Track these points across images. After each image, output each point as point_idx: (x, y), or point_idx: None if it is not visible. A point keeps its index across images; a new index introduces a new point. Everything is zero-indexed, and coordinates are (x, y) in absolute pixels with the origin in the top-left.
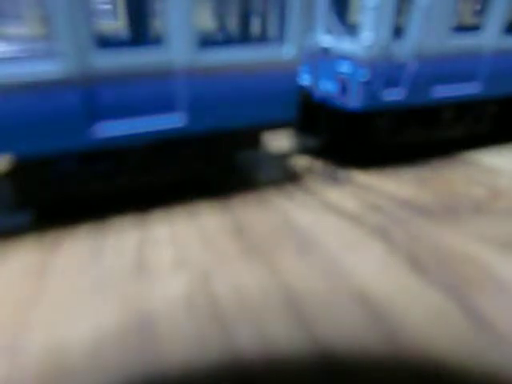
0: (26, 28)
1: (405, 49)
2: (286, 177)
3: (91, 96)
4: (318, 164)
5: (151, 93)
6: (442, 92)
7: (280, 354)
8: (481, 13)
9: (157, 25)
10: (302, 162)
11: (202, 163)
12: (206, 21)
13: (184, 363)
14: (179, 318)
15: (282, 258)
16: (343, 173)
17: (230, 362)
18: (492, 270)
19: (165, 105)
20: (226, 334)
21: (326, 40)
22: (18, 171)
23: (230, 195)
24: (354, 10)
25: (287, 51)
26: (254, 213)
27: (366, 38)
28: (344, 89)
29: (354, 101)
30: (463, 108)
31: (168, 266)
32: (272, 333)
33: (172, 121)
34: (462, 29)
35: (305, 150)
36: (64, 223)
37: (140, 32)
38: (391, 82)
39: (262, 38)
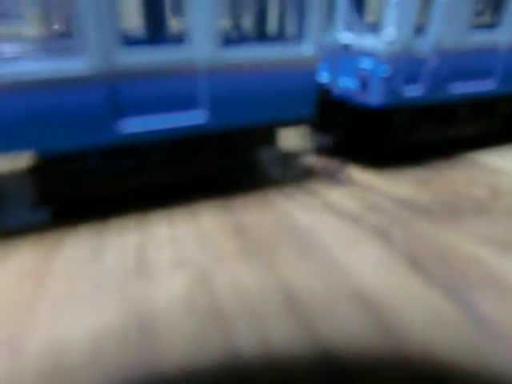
0: (53, 26)
1: (425, 45)
2: (287, 177)
3: (116, 93)
4: (322, 164)
5: (174, 90)
6: (460, 88)
7: (280, 353)
8: (496, 10)
9: (173, 24)
10: (305, 161)
11: (219, 160)
12: (227, 19)
13: (184, 363)
14: (179, 317)
15: (282, 258)
16: (345, 173)
17: (230, 361)
18: (492, 270)
19: (187, 102)
20: (225, 333)
21: (346, 37)
22: (39, 168)
23: (232, 195)
24: (370, 10)
25: (306, 49)
26: (254, 213)
27: (388, 34)
28: (364, 85)
29: (374, 97)
30: (477, 105)
31: (168, 265)
32: (272, 332)
33: (194, 117)
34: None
35: (318, 149)
36: (65, 223)
37: (157, 31)
38: (411, 78)
39: (282, 36)
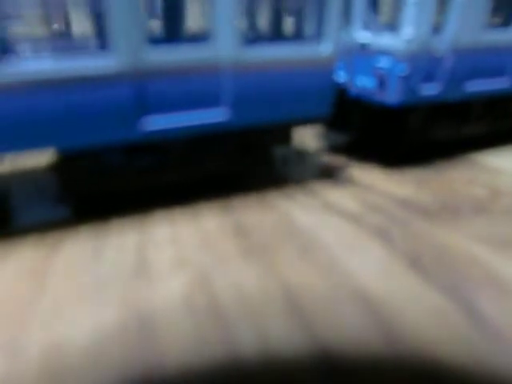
0: (81, 24)
1: (442, 43)
2: (290, 176)
3: (142, 90)
4: (328, 163)
5: (197, 88)
6: (475, 86)
7: (280, 353)
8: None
9: (189, 23)
10: (312, 161)
11: (236, 159)
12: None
13: (184, 363)
14: (179, 317)
15: (283, 258)
16: (347, 173)
17: (230, 361)
18: (492, 270)
19: (209, 99)
20: (225, 333)
21: (363, 36)
22: (62, 165)
23: (233, 195)
24: (383, 10)
25: (325, 48)
26: (255, 213)
27: (406, 33)
28: (382, 84)
29: (392, 96)
30: (489, 105)
31: (168, 266)
32: (272, 332)
33: (216, 115)
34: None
35: (331, 148)
36: (66, 223)
37: (174, 30)
38: (428, 77)
39: (300, 36)
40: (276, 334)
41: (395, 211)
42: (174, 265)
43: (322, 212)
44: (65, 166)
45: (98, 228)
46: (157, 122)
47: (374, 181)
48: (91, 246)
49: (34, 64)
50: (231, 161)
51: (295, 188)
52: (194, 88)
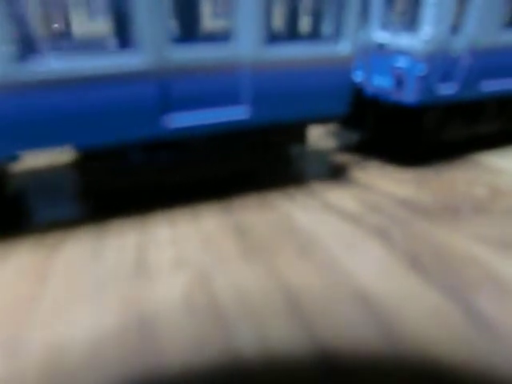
0: (103, 22)
1: (460, 43)
2: (288, 177)
3: (165, 88)
4: (333, 163)
5: (219, 86)
6: (491, 86)
7: (280, 353)
8: None
9: (204, 22)
10: (312, 160)
11: (252, 157)
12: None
13: (183, 363)
14: (179, 317)
15: (283, 259)
16: (350, 173)
17: (230, 361)
18: (492, 270)
19: (231, 97)
20: (225, 333)
21: (381, 36)
22: (84, 163)
23: (233, 196)
24: (401, 11)
25: (343, 47)
26: (255, 213)
27: (425, 33)
28: (399, 83)
29: (409, 95)
30: (503, 104)
31: (169, 266)
32: (272, 332)
33: (237, 113)
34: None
35: (343, 147)
36: (66, 223)
37: (191, 28)
38: (445, 76)
39: (320, 35)
40: (276, 334)
41: (395, 211)
42: (174, 265)
43: (322, 212)
44: (86, 164)
45: (99, 228)
46: (179, 120)
47: (375, 180)
48: (92, 246)
49: (59, 62)
50: (247, 159)
51: (296, 188)
52: (215, 86)
